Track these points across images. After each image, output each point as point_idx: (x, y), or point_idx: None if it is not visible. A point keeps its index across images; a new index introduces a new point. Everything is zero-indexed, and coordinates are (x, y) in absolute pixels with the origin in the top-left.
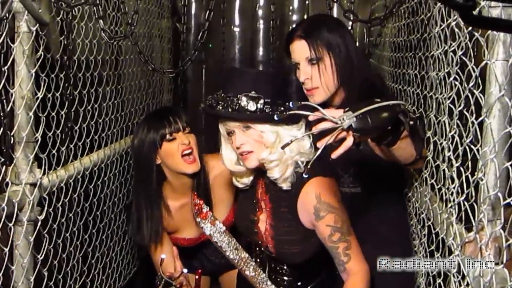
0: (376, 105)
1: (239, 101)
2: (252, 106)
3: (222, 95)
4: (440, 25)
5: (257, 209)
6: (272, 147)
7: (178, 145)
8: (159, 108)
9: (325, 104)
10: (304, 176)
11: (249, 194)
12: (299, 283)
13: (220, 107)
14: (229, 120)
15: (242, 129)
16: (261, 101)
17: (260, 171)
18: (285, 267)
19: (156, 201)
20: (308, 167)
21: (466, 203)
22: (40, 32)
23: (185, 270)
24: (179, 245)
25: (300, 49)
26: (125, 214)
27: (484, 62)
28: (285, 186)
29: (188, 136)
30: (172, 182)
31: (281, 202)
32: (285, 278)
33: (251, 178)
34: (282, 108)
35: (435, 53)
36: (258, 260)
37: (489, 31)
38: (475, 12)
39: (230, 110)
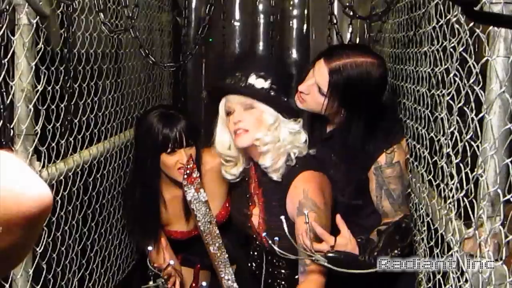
0: (357, 271)
1: (248, 78)
2: (260, 84)
3: (230, 76)
4: (439, 21)
5: (250, 203)
6: (269, 129)
7: (176, 162)
8: (169, 111)
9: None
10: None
11: (242, 189)
12: (296, 277)
13: (227, 82)
14: (236, 94)
15: (244, 107)
16: (269, 81)
17: (252, 163)
18: (282, 260)
19: (153, 195)
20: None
21: (465, 199)
22: (40, 25)
23: (172, 262)
24: (171, 238)
25: (320, 75)
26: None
27: (485, 59)
28: (275, 176)
29: (188, 152)
30: (165, 175)
31: (272, 196)
32: (282, 271)
33: (240, 169)
34: (285, 100)
35: (434, 49)
36: (256, 253)
37: (490, 28)
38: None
39: (240, 84)
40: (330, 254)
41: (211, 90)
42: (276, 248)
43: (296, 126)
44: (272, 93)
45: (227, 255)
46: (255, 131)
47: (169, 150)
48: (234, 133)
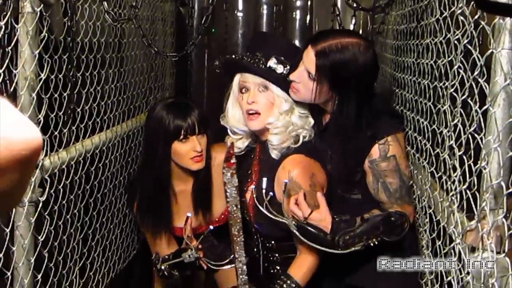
0: (324, 249)
1: (268, 61)
2: (279, 69)
3: (248, 54)
4: (442, 13)
5: (249, 180)
6: (281, 113)
7: (189, 150)
8: (179, 100)
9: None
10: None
11: (246, 165)
12: (290, 261)
13: (246, 60)
14: (253, 73)
15: (259, 88)
16: (288, 66)
17: (258, 143)
18: (273, 242)
19: (164, 185)
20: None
21: (468, 191)
22: (44, 13)
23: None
24: (175, 236)
25: (308, 60)
26: (125, 195)
27: (490, 51)
28: (274, 154)
29: (200, 140)
30: (175, 167)
31: (266, 173)
32: (276, 254)
33: (246, 143)
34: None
35: (437, 41)
36: (255, 235)
37: (496, 20)
38: None
39: (259, 66)
40: (301, 224)
41: (226, 62)
42: (263, 210)
43: (305, 110)
44: (288, 78)
45: (243, 240)
46: (268, 114)
47: (181, 137)
48: (247, 113)
